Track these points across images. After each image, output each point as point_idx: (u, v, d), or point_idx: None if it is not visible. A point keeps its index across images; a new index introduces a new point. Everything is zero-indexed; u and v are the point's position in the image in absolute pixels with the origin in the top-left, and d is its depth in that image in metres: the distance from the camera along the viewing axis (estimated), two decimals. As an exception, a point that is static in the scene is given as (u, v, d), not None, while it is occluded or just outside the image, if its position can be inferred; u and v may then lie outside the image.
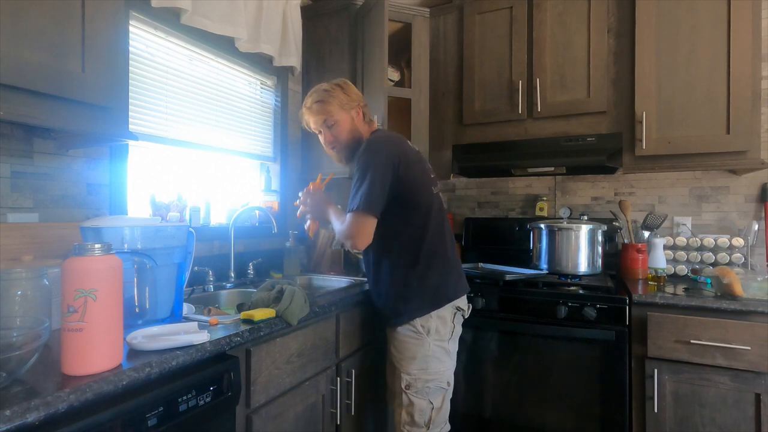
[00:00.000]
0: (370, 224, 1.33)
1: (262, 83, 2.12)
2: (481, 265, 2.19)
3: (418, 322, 1.36)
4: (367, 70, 2.05)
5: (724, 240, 1.92)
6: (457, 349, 1.46)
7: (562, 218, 2.09)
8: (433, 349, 1.36)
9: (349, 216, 1.34)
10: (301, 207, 1.54)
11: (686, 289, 1.65)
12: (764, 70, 1.89)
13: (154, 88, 1.58)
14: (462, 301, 1.44)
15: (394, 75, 2.25)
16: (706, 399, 1.47)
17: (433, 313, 1.36)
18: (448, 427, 1.43)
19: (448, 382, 1.40)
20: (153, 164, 1.64)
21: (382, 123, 1.88)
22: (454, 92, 2.21)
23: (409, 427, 1.37)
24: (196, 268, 1.60)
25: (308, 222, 1.55)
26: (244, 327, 1.07)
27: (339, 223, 1.40)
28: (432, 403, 1.36)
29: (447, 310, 1.38)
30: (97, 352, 0.77)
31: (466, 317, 1.47)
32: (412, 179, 1.36)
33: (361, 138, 1.45)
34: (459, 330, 1.45)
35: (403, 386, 1.37)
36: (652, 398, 1.51)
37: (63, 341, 0.77)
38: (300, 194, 1.55)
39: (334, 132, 1.44)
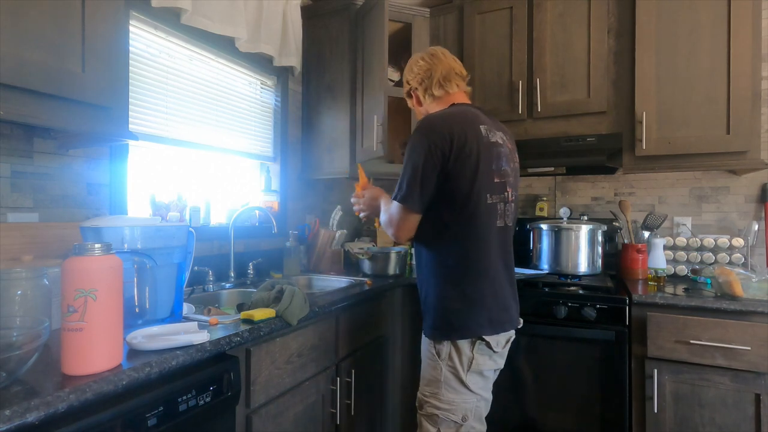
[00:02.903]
0: (411, 219, 1.20)
1: (262, 83, 2.12)
2: (481, 265, 2.18)
3: (433, 343, 1.19)
4: (367, 70, 2.05)
5: (724, 240, 1.92)
6: (486, 386, 1.22)
7: (562, 218, 2.09)
8: (446, 375, 1.16)
9: (393, 205, 1.23)
10: (361, 213, 1.44)
11: (686, 290, 1.65)
12: (764, 70, 1.89)
13: (154, 88, 1.58)
14: (495, 338, 1.18)
15: (394, 75, 2.25)
16: (706, 399, 1.47)
17: (445, 341, 1.17)
18: None
19: (463, 417, 1.16)
20: (153, 164, 1.64)
21: (382, 123, 1.87)
22: (454, 92, 2.21)
23: None
24: (196, 268, 1.60)
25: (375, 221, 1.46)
26: (244, 327, 1.07)
27: (384, 211, 1.30)
28: None
29: (464, 341, 1.17)
30: (97, 351, 0.77)
31: (496, 351, 1.19)
32: (458, 174, 1.13)
33: None
34: (486, 363, 1.18)
35: (416, 403, 1.23)
36: (652, 398, 1.51)
37: (63, 341, 0.77)
38: (352, 200, 1.46)
39: None
